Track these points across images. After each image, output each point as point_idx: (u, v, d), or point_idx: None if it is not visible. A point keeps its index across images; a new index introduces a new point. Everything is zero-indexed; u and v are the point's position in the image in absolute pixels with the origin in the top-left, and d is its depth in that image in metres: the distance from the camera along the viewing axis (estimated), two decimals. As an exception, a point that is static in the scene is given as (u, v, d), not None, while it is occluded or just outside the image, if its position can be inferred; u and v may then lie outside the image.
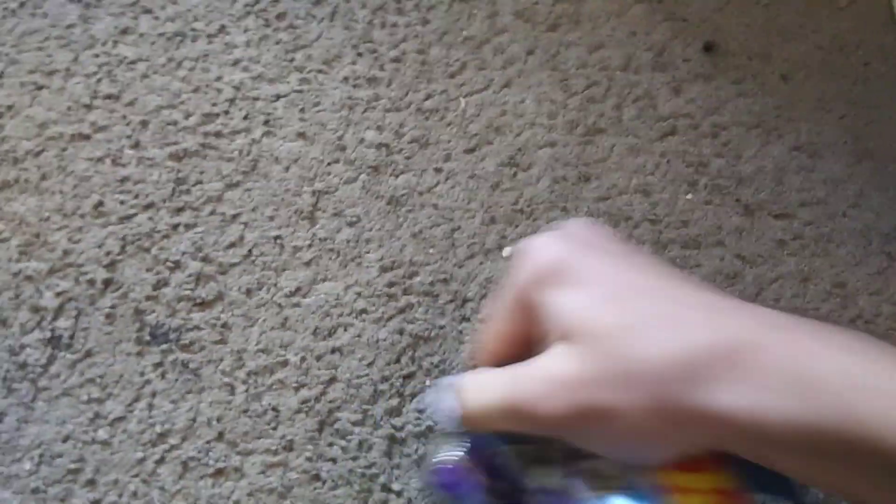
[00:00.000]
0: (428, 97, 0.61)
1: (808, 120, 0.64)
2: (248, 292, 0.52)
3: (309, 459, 0.48)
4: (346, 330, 0.52)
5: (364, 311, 0.53)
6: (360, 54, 0.61)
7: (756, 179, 0.61)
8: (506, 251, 0.57)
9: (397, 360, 0.52)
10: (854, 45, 0.67)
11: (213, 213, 0.54)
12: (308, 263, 0.54)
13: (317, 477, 0.48)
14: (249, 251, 0.53)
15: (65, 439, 0.46)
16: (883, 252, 0.60)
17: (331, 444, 0.49)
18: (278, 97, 0.59)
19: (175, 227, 0.53)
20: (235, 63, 0.59)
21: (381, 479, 0.48)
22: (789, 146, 0.63)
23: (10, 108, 0.55)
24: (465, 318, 0.54)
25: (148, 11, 0.60)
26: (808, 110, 0.64)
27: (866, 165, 0.63)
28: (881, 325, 0.57)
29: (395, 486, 0.48)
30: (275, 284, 0.53)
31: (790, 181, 0.61)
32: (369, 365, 0.51)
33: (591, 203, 0.59)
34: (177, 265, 0.52)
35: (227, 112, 0.58)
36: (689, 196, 0.60)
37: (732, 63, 0.65)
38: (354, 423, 0.49)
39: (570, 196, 0.59)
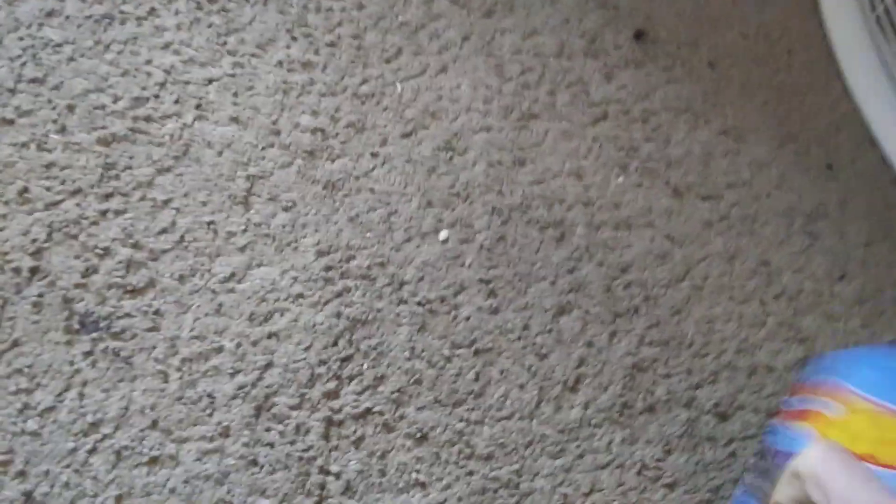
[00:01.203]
0: (364, 82, 0.61)
1: (734, 105, 0.66)
2: (181, 279, 0.51)
3: (246, 445, 0.48)
4: (282, 315, 0.52)
5: (301, 295, 0.53)
6: (294, 38, 0.61)
7: (685, 162, 0.63)
8: (442, 234, 0.57)
9: (335, 344, 0.52)
10: (778, 34, 0.70)
11: (143, 198, 0.53)
12: (243, 249, 0.53)
13: (254, 462, 0.47)
14: (182, 237, 0.53)
15: (-9, 431, 0.44)
16: (805, 231, 0.62)
17: (268, 429, 0.48)
18: (210, 81, 0.58)
19: (104, 213, 0.52)
20: (166, 46, 0.58)
21: (319, 461, 0.48)
22: (716, 130, 0.64)
23: (-74, 91, 0.53)
24: (402, 301, 0.54)
25: (73, -7, 0.58)
26: (734, 96, 0.66)
27: (789, 148, 0.65)
28: (804, 301, 0.60)
29: (333, 468, 0.48)
30: (208, 270, 0.52)
31: (717, 164, 0.63)
32: (306, 349, 0.51)
33: (525, 186, 0.60)
34: (106, 252, 0.51)
35: (157, 96, 0.56)
36: (621, 179, 0.61)
37: (662, 50, 0.67)
38: (292, 408, 0.49)
39: (505, 180, 0.60)
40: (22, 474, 0.44)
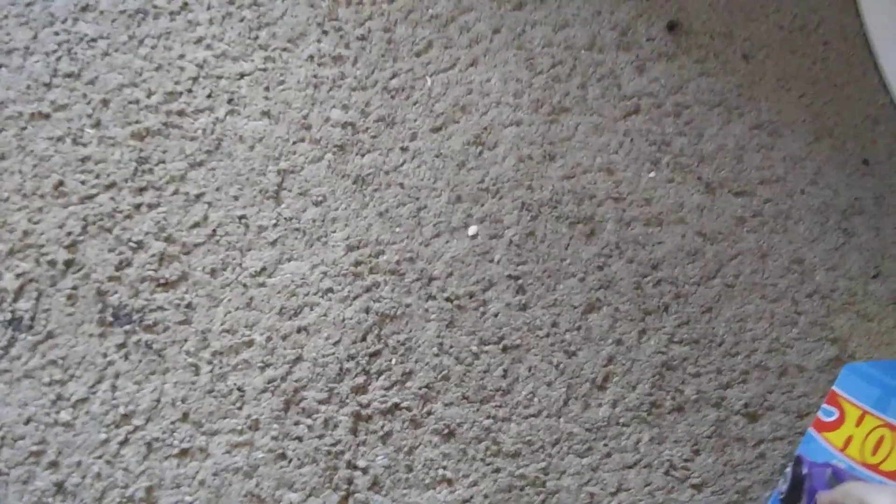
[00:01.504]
0: (394, 76, 0.61)
1: (769, 98, 0.65)
2: (213, 272, 0.52)
3: (275, 438, 0.48)
4: (312, 309, 0.52)
5: (330, 290, 0.53)
6: (325, 32, 0.61)
7: (717, 157, 0.62)
8: (471, 229, 0.57)
9: (363, 339, 0.52)
10: (814, 25, 0.68)
11: (176, 192, 0.54)
12: (273, 243, 0.54)
13: (283, 455, 0.48)
14: (214, 231, 0.53)
15: (27, 421, 0.45)
16: (840, 228, 0.61)
17: (297, 423, 0.49)
18: (242, 75, 0.58)
19: (137, 206, 0.52)
20: (198, 41, 0.59)
21: (347, 455, 0.49)
22: (750, 124, 0.63)
23: (-35, 86, 0.54)
24: (430, 297, 0.54)
25: (107, -12, 0.59)
26: (768, 89, 0.65)
27: (825, 143, 0.64)
28: (837, 300, 0.59)
29: (361, 463, 0.49)
30: (240, 264, 0.53)
31: (750, 159, 0.62)
32: (335, 344, 0.52)
33: (555, 181, 0.60)
34: (139, 245, 0.51)
35: (190, 90, 0.57)
36: (652, 174, 0.61)
37: (695, 42, 0.66)
38: (320, 402, 0.50)
39: (535, 175, 0.60)
40: (54, 465, 0.45)
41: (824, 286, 0.59)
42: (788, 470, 0.52)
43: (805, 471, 0.51)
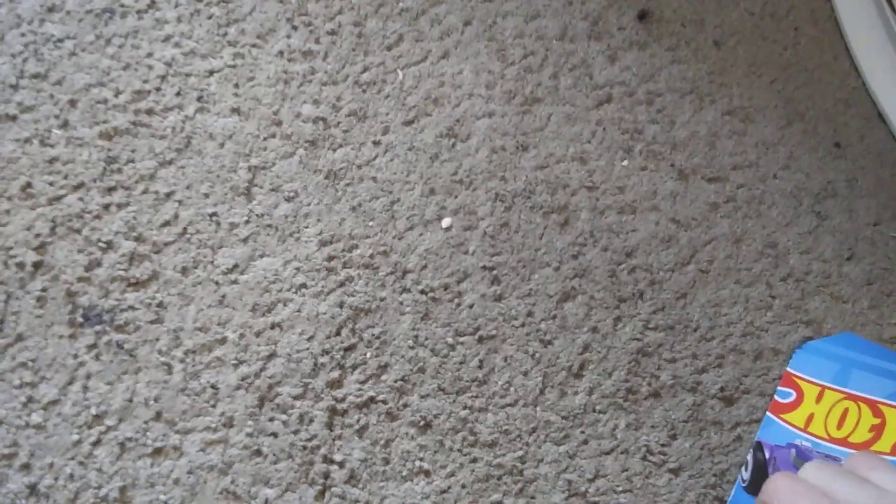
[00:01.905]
0: (365, 70, 0.61)
1: (740, 85, 0.65)
2: (184, 271, 0.52)
3: (250, 435, 0.48)
4: (285, 305, 0.52)
5: (303, 285, 0.53)
6: (294, 27, 0.61)
7: (690, 144, 0.62)
8: (445, 222, 0.57)
9: (338, 333, 0.52)
10: (785, 11, 0.69)
11: (145, 191, 0.53)
12: (245, 240, 0.53)
13: (258, 452, 0.48)
14: (184, 229, 0.53)
15: (-2, 424, 0.45)
16: (813, 212, 0.61)
17: (271, 419, 0.49)
18: (211, 73, 0.58)
19: (107, 206, 0.52)
20: (166, 39, 0.58)
21: (323, 450, 0.48)
22: (722, 111, 0.64)
23: (-70, 89, 0.54)
24: (405, 290, 0.54)
25: (73, -13, 0.58)
26: (739, 75, 0.65)
27: (797, 128, 0.64)
28: (811, 283, 0.59)
29: (337, 457, 0.48)
30: (211, 262, 0.52)
31: (723, 145, 0.62)
32: (309, 339, 0.51)
33: (529, 172, 0.60)
34: (109, 245, 0.51)
35: (158, 89, 0.57)
36: (625, 162, 0.61)
37: (666, 30, 0.66)
38: (295, 398, 0.49)
39: (508, 165, 0.60)
40: (26, 467, 0.44)
41: (798, 269, 0.59)
42: (749, 457, 0.51)
43: (767, 455, 0.51)
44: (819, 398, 0.53)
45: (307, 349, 0.51)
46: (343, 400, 0.50)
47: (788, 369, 0.55)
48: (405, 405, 0.51)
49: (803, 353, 0.55)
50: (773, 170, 0.62)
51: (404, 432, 0.50)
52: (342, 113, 0.59)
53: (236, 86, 0.58)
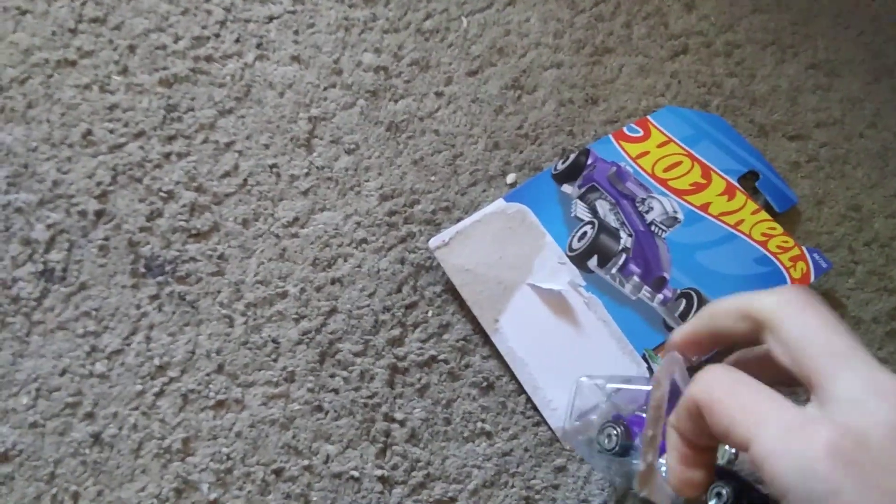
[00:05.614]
0: (427, 17, 0.58)
1: (826, 36, 0.61)
2: (245, 223, 0.51)
3: (311, 391, 0.47)
4: (345, 260, 0.51)
5: (364, 240, 0.52)
6: (355, -28, 0.58)
7: (770, 99, 0.58)
8: (510, 177, 0.55)
9: (398, 290, 0.51)
10: (876, -43, 0.64)
11: (205, 141, 0.52)
12: (305, 193, 0.52)
13: (319, 408, 0.47)
14: (245, 180, 0.52)
15: (62, 373, 0.45)
16: (901, 174, 0.57)
17: (332, 375, 0.48)
18: (271, 19, 0.56)
19: (167, 156, 0.51)
20: (225, -17, 0.57)
21: (384, 408, 0.47)
22: (805, 64, 0.60)
23: (-9, 33, 0.53)
24: (468, 247, 0.53)
25: (131, -71, 0.57)
26: (825, 26, 0.61)
27: (885, 84, 0.60)
28: (897, 249, 0.56)
29: (398, 415, 0.47)
30: (272, 214, 0.51)
31: (805, 101, 0.59)
32: (370, 295, 0.50)
33: (598, 126, 0.57)
34: (170, 195, 0.50)
35: (217, 35, 0.55)
36: (700, 118, 0.58)
37: (747, -23, 0.62)
38: (356, 354, 0.49)
39: (576, 119, 0.57)
40: (90, 416, 0.44)
41: (883, 234, 0.56)
42: (573, 156, 0.54)
43: (589, 161, 0.54)
44: (662, 145, 0.55)
45: (368, 305, 0.50)
46: (404, 358, 0.49)
47: (648, 116, 0.56)
48: (467, 365, 0.50)
49: (668, 112, 0.57)
50: (859, 128, 0.58)
51: (466, 393, 0.49)
52: (404, 62, 0.57)
53: (296, 32, 0.56)
